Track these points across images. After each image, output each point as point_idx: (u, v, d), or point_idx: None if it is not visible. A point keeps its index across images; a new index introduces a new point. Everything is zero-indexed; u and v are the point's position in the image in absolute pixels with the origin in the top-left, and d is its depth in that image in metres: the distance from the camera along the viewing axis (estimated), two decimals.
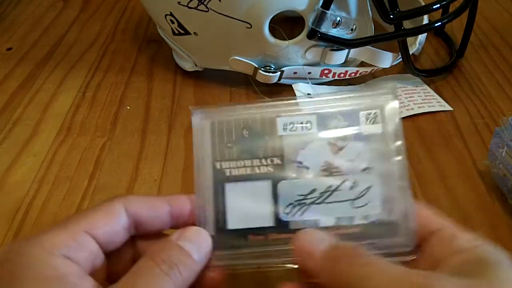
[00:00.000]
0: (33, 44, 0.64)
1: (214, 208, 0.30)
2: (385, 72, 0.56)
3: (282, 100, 0.31)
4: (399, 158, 0.30)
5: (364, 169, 0.30)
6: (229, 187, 0.30)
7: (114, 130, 0.50)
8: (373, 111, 0.30)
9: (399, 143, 0.30)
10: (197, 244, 0.28)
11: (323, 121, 0.31)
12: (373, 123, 0.30)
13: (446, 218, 0.28)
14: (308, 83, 0.52)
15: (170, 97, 0.54)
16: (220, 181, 0.31)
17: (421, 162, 0.46)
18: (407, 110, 0.51)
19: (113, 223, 0.28)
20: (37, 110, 0.53)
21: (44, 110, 0.53)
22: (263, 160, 0.31)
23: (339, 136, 0.30)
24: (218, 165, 0.31)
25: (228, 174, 0.31)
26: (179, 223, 0.31)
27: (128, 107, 0.53)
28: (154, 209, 0.30)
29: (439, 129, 0.49)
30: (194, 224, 0.30)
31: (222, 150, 0.31)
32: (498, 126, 0.42)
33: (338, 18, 0.48)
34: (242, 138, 0.31)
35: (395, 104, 0.30)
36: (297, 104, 0.31)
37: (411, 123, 0.50)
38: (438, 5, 0.49)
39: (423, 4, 0.56)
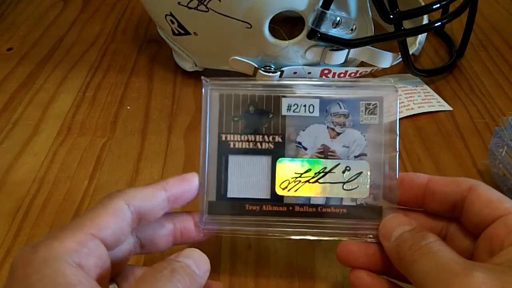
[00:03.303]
0: (33, 44, 0.64)
1: (217, 176, 0.33)
2: (385, 72, 0.56)
3: (289, 81, 0.33)
4: (392, 150, 0.32)
5: (358, 156, 0.33)
6: (232, 159, 0.33)
7: (114, 130, 0.50)
8: (373, 102, 0.33)
9: (393, 136, 0.32)
10: (195, 260, 0.29)
11: (325, 106, 0.33)
12: (371, 113, 0.33)
13: None
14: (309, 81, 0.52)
15: (170, 97, 0.54)
16: (224, 152, 0.33)
17: (421, 162, 0.46)
18: (407, 110, 0.51)
19: (119, 222, 0.28)
20: (37, 110, 0.53)
21: (44, 110, 0.53)
22: (266, 137, 0.33)
23: (338, 122, 0.33)
24: (223, 137, 0.33)
25: (232, 146, 0.33)
26: (175, 206, 0.32)
27: (128, 107, 0.53)
28: (153, 199, 0.30)
29: (439, 129, 0.50)
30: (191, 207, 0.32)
31: (229, 123, 0.33)
32: (498, 126, 0.42)
33: (338, 18, 0.48)
34: (248, 114, 0.33)
35: (395, 97, 0.32)
36: (302, 86, 0.33)
37: (411, 123, 0.50)
38: (438, 5, 0.49)
39: (423, 4, 0.56)
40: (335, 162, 0.33)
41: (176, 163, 0.46)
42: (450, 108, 0.52)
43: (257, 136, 0.33)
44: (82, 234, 0.27)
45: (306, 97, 0.33)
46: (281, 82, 0.33)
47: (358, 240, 0.32)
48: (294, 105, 0.33)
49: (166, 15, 0.51)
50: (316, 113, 0.33)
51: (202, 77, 0.33)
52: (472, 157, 0.46)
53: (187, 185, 0.32)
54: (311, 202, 0.33)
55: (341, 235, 0.32)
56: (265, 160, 0.33)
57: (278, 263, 0.37)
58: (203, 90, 0.33)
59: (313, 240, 0.33)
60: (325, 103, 0.33)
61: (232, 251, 0.38)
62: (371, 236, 0.31)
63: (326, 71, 0.52)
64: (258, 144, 0.33)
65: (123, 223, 0.28)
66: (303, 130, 0.33)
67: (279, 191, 0.33)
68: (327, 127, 0.33)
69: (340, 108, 0.33)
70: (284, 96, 0.33)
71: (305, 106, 0.33)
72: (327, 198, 0.33)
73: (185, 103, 0.53)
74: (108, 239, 0.28)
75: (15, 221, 0.40)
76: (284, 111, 0.33)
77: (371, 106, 0.32)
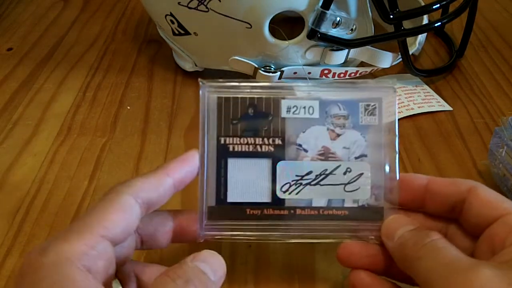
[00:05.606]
0: (33, 44, 0.64)
1: (216, 180, 0.32)
2: (385, 72, 0.56)
3: (288, 83, 0.33)
4: (391, 150, 0.32)
5: (358, 157, 0.32)
6: (231, 162, 0.32)
7: (114, 130, 0.50)
8: (372, 103, 0.32)
9: (393, 136, 0.32)
10: (212, 265, 0.28)
11: (325, 107, 0.33)
12: (370, 114, 0.32)
13: None
14: (308, 83, 0.52)
15: (170, 97, 0.54)
16: (223, 156, 0.32)
17: (421, 162, 0.46)
18: (407, 110, 0.51)
19: (128, 219, 0.28)
20: (37, 110, 0.53)
21: (45, 110, 0.53)
22: (265, 139, 0.32)
23: (338, 123, 0.32)
24: (222, 140, 0.32)
25: (231, 149, 0.32)
26: (179, 189, 0.31)
27: (128, 107, 0.53)
28: (160, 188, 0.30)
29: (439, 129, 0.50)
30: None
31: (227, 126, 0.32)
32: (498, 126, 0.42)
33: (338, 18, 0.48)
34: (247, 116, 0.32)
35: (393, 98, 0.32)
36: (302, 88, 0.33)
37: (411, 123, 0.50)
38: (438, 5, 0.49)
39: (423, 4, 0.56)
40: (336, 163, 0.32)
41: None
42: (450, 108, 0.52)
43: (257, 139, 0.32)
44: (92, 236, 0.26)
45: (306, 98, 0.33)
46: (280, 83, 0.33)
47: (359, 241, 0.31)
48: (293, 107, 0.32)
49: (166, 15, 0.51)
50: (316, 115, 0.32)
51: (199, 79, 0.33)
52: (472, 157, 0.46)
53: (189, 166, 0.31)
54: (313, 205, 0.32)
55: (342, 237, 0.32)
56: (265, 163, 0.32)
57: (278, 263, 0.37)
58: (200, 92, 0.32)
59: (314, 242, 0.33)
60: (324, 105, 0.32)
61: (232, 250, 0.38)
62: (372, 237, 0.31)
63: (326, 71, 0.52)
64: (258, 147, 0.32)
65: (131, 219, 0.28)
66: (303, 132, 0.32)
67: (280, 194, 0.32)
68: (327, 129, 0.32)
69: (340, 109, 0.32)
70: (284, 98, 0.32)
71: (304, 108, 0.32)
72: (328, 200, 0.32)
73: (185, 103, 0.53)
74: (117, 238, 0.27)
75: (15, 221, 0.40)
76: (283, 113, 0.32)
77: (370, 107, 0.32)
